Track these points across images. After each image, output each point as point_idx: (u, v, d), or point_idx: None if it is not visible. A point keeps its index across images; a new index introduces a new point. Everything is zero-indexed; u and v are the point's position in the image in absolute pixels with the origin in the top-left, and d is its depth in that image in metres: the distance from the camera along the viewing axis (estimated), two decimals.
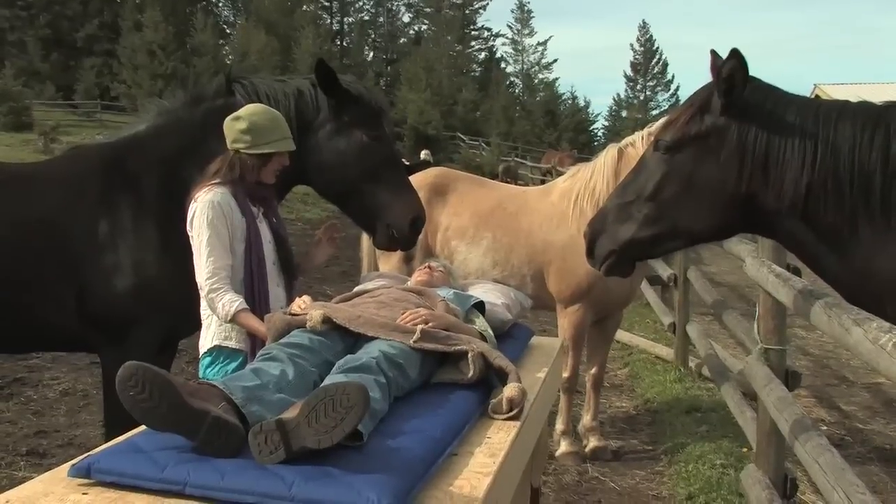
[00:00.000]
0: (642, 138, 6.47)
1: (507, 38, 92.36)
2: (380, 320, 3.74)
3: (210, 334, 4.39)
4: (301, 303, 3.99)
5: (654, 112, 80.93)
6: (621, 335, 11.34)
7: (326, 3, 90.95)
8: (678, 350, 9.98)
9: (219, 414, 2.75)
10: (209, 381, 3.02)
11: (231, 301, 4.17)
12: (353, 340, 3.74)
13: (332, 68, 4.99)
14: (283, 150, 4.44)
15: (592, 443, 7.16)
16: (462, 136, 61.05)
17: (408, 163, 24.16)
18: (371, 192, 5.03)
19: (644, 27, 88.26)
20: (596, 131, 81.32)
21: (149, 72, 56.94)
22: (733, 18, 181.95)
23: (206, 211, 4.25)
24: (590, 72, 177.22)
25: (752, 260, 5.28)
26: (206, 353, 4.40)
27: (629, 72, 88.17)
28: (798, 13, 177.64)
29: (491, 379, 3.80)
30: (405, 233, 5.08)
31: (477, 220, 6.99)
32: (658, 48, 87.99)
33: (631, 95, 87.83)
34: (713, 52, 3.58)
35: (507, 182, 32.94)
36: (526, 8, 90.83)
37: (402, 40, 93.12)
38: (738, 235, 7.05)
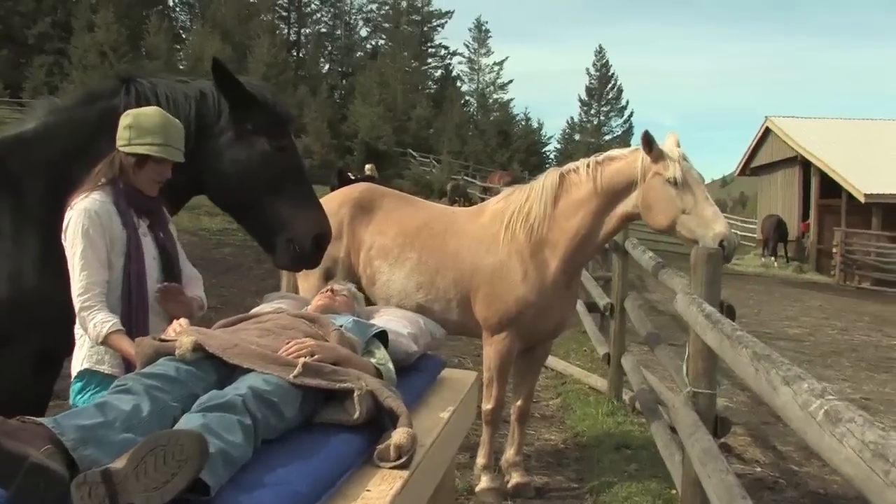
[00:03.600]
0: (587, 166, 6.20)
1: (463, 56, 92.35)
2: (258, 350, 3.37)
3: (82, 356, 4.01)
4: (177, 326, 3.61)
5: (607, 137, 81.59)
6: (556, 363, 11.05)
7: (284, 14, 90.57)
8: (612, 382, 9.68)
9: (39, 459, 2.35)
10: (34, 420, 2.59)
11: (103, 321, 3.79)
12: (228, 371, 3.36)
13: (229, 69, 4.63)
14: (158, 155, 4.08)
15: (515, 478, 6.79)
16: (413, 153, 61.01)
17: (353, 176, 23.84)
18: (272, 205, 4.69)
19: (600, 52, 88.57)
20: (548, 153, 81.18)
21: (99, 73, 56.02)
22: (690, 47, 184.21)
23: (81, 220, 3.88)
24: (545, 94, 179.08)
25: (683, 296, 4.98)
26: (76, 377, 4.01)
27: (584, 96, 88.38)
28: (752, 45, 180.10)
29: (382, 420, 3.43)
30: (307, 249, 4.71)
31: (402, 240, 6.62)
32: (613, 73, 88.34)
33: (584, 119, 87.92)
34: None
35: (457, 201, 32.93)
36: (483, 27, 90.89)
37: (358, 54, 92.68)
38: (673, 266, 6.83)
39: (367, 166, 26.47)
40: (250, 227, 4.85)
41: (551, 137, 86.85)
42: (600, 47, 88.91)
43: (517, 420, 6.89)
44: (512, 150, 70.95)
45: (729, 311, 4.47)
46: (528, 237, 6.22)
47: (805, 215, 36.36)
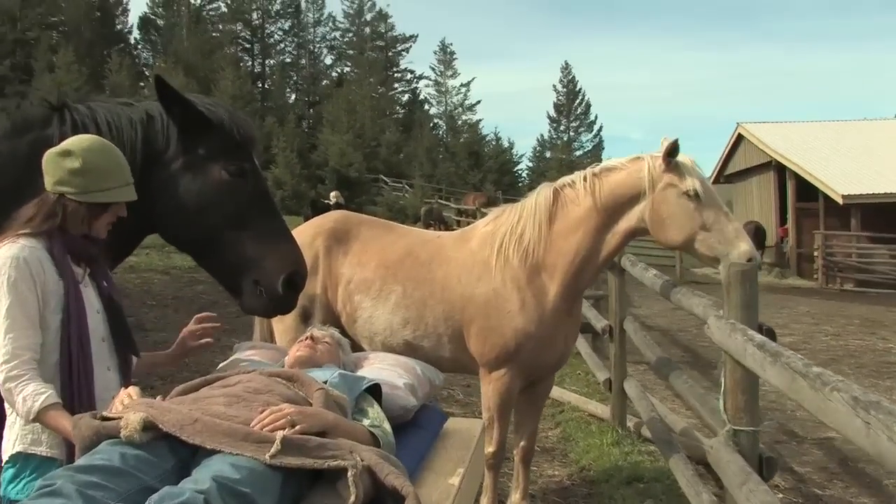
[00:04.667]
0: (584, 179, 5.63)
1: (430, 79, 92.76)
2: (224, 425, 2.74)
3: (13, 437, 3.38)
4: (125, 398, 2.99)
5: (578, 153, 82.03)
6: (552, 390, 10.39)
7: (247, 45, 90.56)
8: (615, 409, 9.07)
9: None
10: None
11: (35, 394, 3.18)
12: (189, 453, 2.73)
13: (173, 87, 4.01)
14: (125, 199, 3.53)
15: None
16: (385, 178, 60.67)
17: (329, 202, 23.26)
18: (234, 241, 4.06)
19: (566, 68, 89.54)
20: (520, 172, 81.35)
21: None
22: (655, 58, 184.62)
23: (6, 271, 3.27)
24: (513, 113, 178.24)
25: (720, 322, 4.38)
26: (7, 462, 3.36)
27: (552, 113, 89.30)
28: (716, 54, 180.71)
29: (383, 501, 2.80)
30: (277, 292, 4.07)
31: (384, 272, 6.01)
32: (581, 89, 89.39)
33: (555, 136, 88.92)
34: None
35: (431, 224, 32.37)
36: (448, 49, 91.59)
37: (324, 82, 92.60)
38: (688, 286, 6.26)
39: (333, 193, 25.85)
40: (211, 267, 4.23)
41: (522, 156, 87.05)
42: (566, 63, 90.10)
43: (521, 461, 6.29)
44: (484, 170, 70.68)
45: (769, 335, 3.88)
46: (523, 262, 5.63)
47: (783, 220, 36.01)
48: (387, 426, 3.48)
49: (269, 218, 4.18)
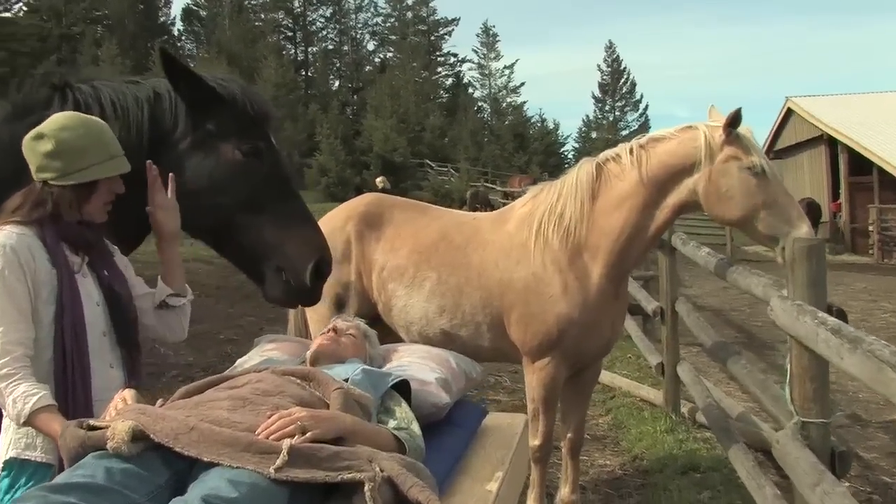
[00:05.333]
0: (630, 151, 5.23)
1: (473, 62, 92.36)
2: (225, 434, 2.40)
3: (7, 441, 3.08)
4: (119, 402, 2.68)
5: (624, 132, 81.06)
6: (602, 375, 9.99)
7: (290, 34, 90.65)
8: (667, 394, 8.66)
9: None
10: None
11: (26, 395, 2.89)
12: (185, 465, 2.41)
13: (179, 60, 3.70)
14: (110, 174, 3.21)
15: None
16: (430, 163, 60.32)
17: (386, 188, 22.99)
18: (251, 226, 3.74)
19: (610, 47, 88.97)
20: (566, 153, 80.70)
21: None
22: (700, 35, 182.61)
23: None
24: (558, 94, 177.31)
25: (784, 303, 3.97)
26: (3, 469, 3.06)
27: (597, 93, 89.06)
28: (764, 28, 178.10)
29: None
30: (303, 281, 3.74)
31: (417, 257, 5.68)
32: (625, 68, 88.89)
33: (600, 116, 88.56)
34: None
35: (478, 208, 32.04)
36: (491, 32, 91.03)
37: (367, 68, 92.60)
38: (744, 265, 5.87)
39: (379, 179, 25.56)
40: (230, 256, 3.93)
41: (568, 137, 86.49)
42: (610, 42, 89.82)
43: (569, 453, 5.92)
44: (529, 152, 70.27)
45: (840, 316, 3.50)
46: (564, 242, 5.26)
47: (835, 195, 35.18)
48: (415, 427, 3.15)
49: (288, 200, 3.85)
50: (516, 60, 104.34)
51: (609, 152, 5.41)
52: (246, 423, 2.51)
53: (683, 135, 5.10)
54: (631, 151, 5.21)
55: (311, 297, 3.89)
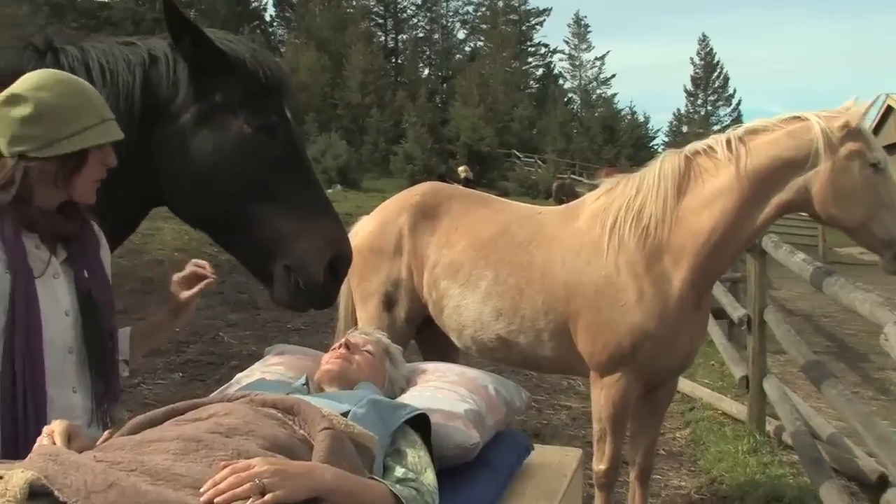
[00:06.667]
0: (726, 143, 4.57)
1: (564, 53, 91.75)
2: (151, 495, 1.79)
3: None
4: (45, 439, 2.13)
5: (716, 127, 79.54)
6: (682, 384, 9.28)
7: (380, 21, 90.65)
8: (752, 410, 7.92)
9: None
10: None
11: None
12: None
13: (186, 15, 3.13)
14: (103, 140, 2.64)
15: None
16: (518, 154, 59.84)
17: (458, 177, 22.45)
18: (258, 216, 3.16)
19: (704, 40, 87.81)
20: (656, 147, 79.39)
21: None
22: (798, 30, 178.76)
23: None
24: (649, 87, 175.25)
25: None
26: None
27: (689, 86, 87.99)
28: (864, 23, 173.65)
29: None
30: (316, 282, 3.17)
31: (473, 254, 5.10)
32: (719, 62, 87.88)
33: (691, 110, 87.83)
34: None
35: (563, 200, 31.33)
36: (583, 22, 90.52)
37: (457, 57, 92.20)
38: (845, 277, 5.18)
39: (461, 168, 25.00)
40: (233, 249, 3.33)
41: (658, 131, 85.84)
42: (703, 35, 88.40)
43: (638, 479, 5.30)
44: (618, 145, 69.70)
45: None
46: (642, 243, 4.63)
47: None
48: (428, 477, 2.53)
49: (304, 186, 3.25)
50: (607, 52, 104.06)
51: (699, 144, 4.75)
52: (190, 477, 1.89)
53: (791, 125, 4.44)
54: (728, 143, 4.54)
55: (325, 300, 3.29)
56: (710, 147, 4.64)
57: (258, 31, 72.59)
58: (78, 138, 2.60)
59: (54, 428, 2.19)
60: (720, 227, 4.50)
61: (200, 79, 3.13)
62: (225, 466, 1.91)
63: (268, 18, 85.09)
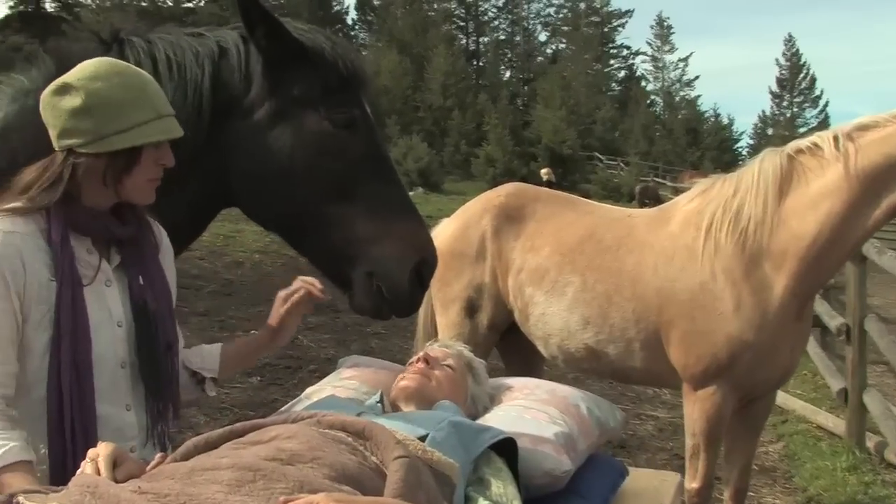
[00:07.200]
0: (833, 139, 4.22)
1: (646, 55, 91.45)
2: None
3: None
4: (89, 464, 1.93)
5: (802, 129, 78.75)
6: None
7: (462, 24, 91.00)
8: (851, 425, 7.51)
9: None
10: None
11: None
12: None
13: (261, 3, 2.91)
14: (159, 138, 2.42)
15: None
16: (599, 156, 59.60)
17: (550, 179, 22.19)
18: (339, 218, 2.91)
19: (790, 41, 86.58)
20: (740, 150, 78.79)
21: None
22: (887, 30, 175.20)
23: None
24: (733, 89, 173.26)
25: None
26: None
27: (775, 88, 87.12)
28: None
29: None
30: (401, 289, 2.93)
31: (559, 259, 4.86)
32: (805, 62, 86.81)
33: (777, 112, 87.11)
34: None
35: (646, 203, 30.93)
36: (665, 24, 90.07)
37: (538, 59, 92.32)
38: None
39: (543, 171, 24.73)
40: (309, 253, 3.10)
41: (743, 133, 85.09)
42: (789, 36, 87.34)
43: (732, 499, 4.97)
44: (702, 148, 69.23)
45: None
46: (741, 247, 4.33)
47: None
48: None
49: (386, 185, 3.00)
50: (691, 53, 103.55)
51: (802, 142, 4.43)
52: None
53: None
54: (835, 140, 4.20)
55: (409, 307, 3.06)
56: (814, 144, 4.32)
57: (340, 35, 73.29)
58: (130, 134, 2.38)
59: (100, 452, 1.99)
60: (826, 231, 4.18)
61: (275, 72, 2.91)
62: (285, 503, 1.68)
63: (350, 22, 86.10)
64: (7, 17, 49.55)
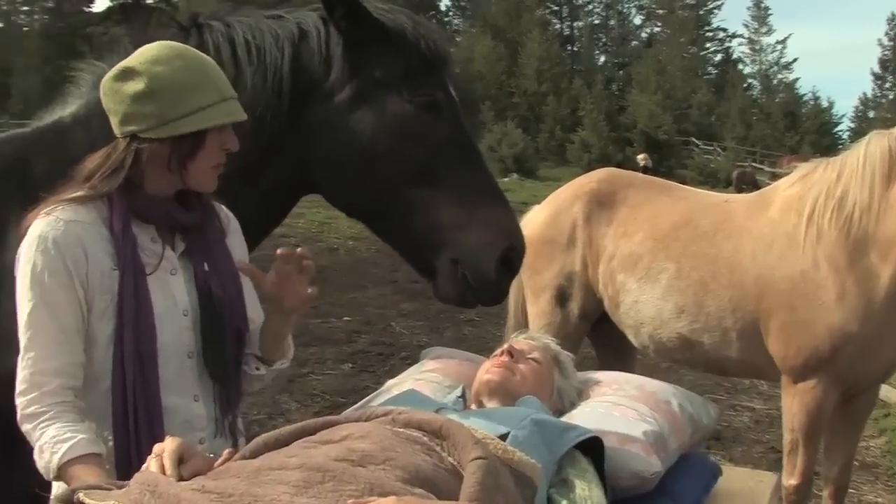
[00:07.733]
0: None
1: (743, 37, 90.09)
2: None
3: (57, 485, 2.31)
4: (153, 460, 1.87)
5: None
6: None
7: (556, 8, 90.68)
8: None
9: None
10: None
11: (56, 441, 2.12)
12: None
13: None
14: (223, 121, 2.34)
15: None
16: (696, 141, 58.84)
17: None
18: (423, 203, 2.82)
19: (893, 20, 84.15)
20: (841, 134, 77.03)
21: None
22: None
23: (31, 257, 2.22)
24: (832, 71, 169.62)
25: None
26: None
27: (877, 69, 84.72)
28: None
29: None
30: (487, 276, 2.82)
31: (652, 245, 4.76)
32: None
33: (879, 94, 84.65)
34: None
35: (744, 189, 30.39)
36: (762, 5, 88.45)
37: (633, 43, 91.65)
38: None
39: (640, 157, 24.46)
40: (392, 239, 3.03)
41: (843, 117, 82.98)
42: (893, 15, 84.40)
43: (832, 497, 4.80)
44: (801, 132, 67.73)
45: None
46: (845, 235, 4.18)
47: None
48: None
49: (471, 169, 2.90)
50: (789, 35, 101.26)
51: None
52: None
53: None
54: None
55: (496, 296, 2.96)
56: None
57: (434, 21, 73.59)
58: (195, 118, 2.31)
59: (165, 447, 1.93)
60: None
61: (356, 53, 2.84)
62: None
63: (443, 8, 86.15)
64: (108, 9, 50.64)
